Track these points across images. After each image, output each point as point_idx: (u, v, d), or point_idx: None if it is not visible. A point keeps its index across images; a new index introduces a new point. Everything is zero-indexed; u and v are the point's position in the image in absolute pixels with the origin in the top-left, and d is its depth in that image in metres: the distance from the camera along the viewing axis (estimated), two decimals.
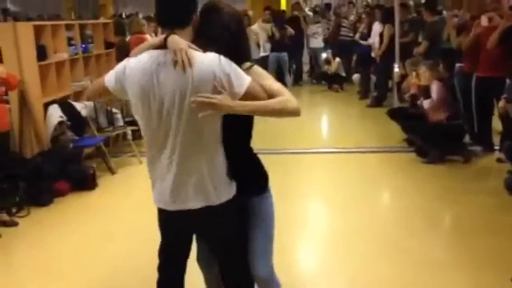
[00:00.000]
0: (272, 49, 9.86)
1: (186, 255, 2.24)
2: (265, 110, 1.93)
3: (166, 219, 2.12)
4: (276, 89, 1.97)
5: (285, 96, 1.95)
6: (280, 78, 9.57)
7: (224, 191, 2.02)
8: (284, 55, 10.00)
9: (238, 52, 2.03)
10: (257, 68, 2.06)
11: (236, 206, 2.08)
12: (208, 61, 1.88)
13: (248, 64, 2.03)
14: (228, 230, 2.10)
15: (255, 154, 2.21)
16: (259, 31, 9.97)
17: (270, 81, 2.01)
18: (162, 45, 1.91)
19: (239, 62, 1.96)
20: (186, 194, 1.98)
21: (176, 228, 2.15)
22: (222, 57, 1.89)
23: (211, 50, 1.93)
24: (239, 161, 2.08)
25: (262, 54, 9.80)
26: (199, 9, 2.05)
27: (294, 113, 1.96)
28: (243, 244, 2.17)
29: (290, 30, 10.07)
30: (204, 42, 1.98)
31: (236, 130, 2.04)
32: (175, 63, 1.85)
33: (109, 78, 2.04)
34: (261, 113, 1.94)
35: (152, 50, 1.94)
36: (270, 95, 1.95)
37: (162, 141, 1.96)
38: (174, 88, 1.87)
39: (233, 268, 2.20)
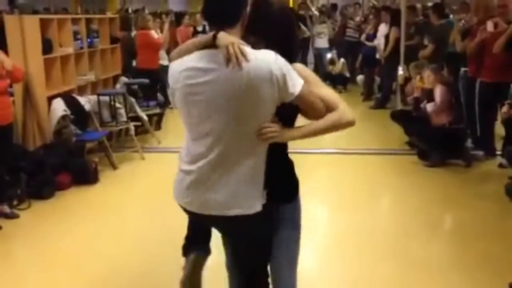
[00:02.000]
0: None
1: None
2: (325, 129, 1.89)
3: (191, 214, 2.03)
4: (330, 98, 1.89)
5: (341, 107, 1.88)
6: None
7: (258, 200, 1.90)
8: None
9: (289, 50, 1.93)
10: (306, 70, 1.94)
11: (266, 215, 1.95)
12: (263, 57, 1.76)
13: (298, 64, 1.92)
14: (256, 240, 2.01)
15: (291, 161, 2.11)
16: None
17: (322, 88, 1.91)
18: (210, 43, 1.80)
19: (290, 61, 1.85)
20: (216, 197, 1.87)
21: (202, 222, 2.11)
22: (278, 54, 1.78)
23: (262, 48, 1.81)
24: (276, 167, 1.97)
25: None
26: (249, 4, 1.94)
27: (351, 124, 1.92)
28: (267, 255, 2.08)
29: (304, 30, 9.89)
30: (254, 39, 1.86)
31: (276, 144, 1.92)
32: (228, 60, 1.72)
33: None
34: (321, 133, 1.90)
35: (200, 51, 1.83)
36: (325, 104, 1.88)
37: (205, 140, 1.85)
38: (226, 88, 1.75)
39: (252, 274, 2.12)
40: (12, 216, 4.25)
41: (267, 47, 1.82)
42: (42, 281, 3.31)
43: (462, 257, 3.49)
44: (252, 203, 1.88)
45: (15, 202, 4.46)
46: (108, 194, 4.91)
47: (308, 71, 1.95)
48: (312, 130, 1.90)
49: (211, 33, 1.81)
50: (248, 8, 1.92)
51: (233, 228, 1.98)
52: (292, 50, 1.98)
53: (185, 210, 2.01)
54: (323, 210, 4.56)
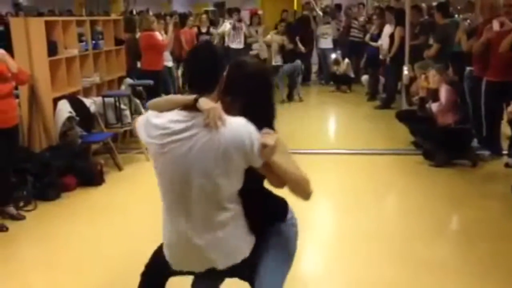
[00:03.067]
0: (285, 61, 9.57)
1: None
2: (293, 176, 1.95)
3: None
4: (295, 167, 1.97)
5: (306, 176, 1.98)
6: (291, 81, 9.61)
7: (246, 245, 2.04)
8: (298, 63, 9.65)
9: (263, 112, 2.03)
10: (278, 136, 2.00)
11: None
12: (237, 125, 1.88)
13: (269, 130, 1.98)
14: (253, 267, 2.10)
15: (268, 190, 2.18)
16: (271, 43, 9.89)
17: (290, 158, 2.00)
18: (191, 105, 1.90)
19: (265, 123, 1.96)
20: (208, 255, 1.99)
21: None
22: (250, 124, 1.88)
23: (235, 108, 1.95)
24: (257, 202, 2.08)
25: (273, 63, 9.73)
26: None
27: (307, 196, 2.00)
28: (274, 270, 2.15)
29: (301, 47, 9.96)
30: (230, 99, 1.99)
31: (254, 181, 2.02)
32: (207, 123, 1.84)
33: (139, 131, 2.04)
34: (286, 176, 1.94)
35: (179, 111, 1.92)
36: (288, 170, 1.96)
37: (182, 204, 1.96)
38: (202, 149, 1.85)
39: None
40: (18, 218, 4.27)
41: (242, 110, 1.94)
42: (47, 282, 3.32)
43: (469, 257, 3.48)
44: (240, 251, 2.02)
45: (21, 204, 4.48)
46: (114, 195, 4.92)
47: (281, 141, 2.00)
48: (285, 168, 1.94)
49: (192, 96, 1.91)
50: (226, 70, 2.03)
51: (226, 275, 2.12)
52: (268, 115, 2.06)
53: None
54: (328, 210, 4.55)
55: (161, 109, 1.97)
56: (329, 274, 3.37)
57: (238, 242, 2.02)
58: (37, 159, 4.87)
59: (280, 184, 1.98)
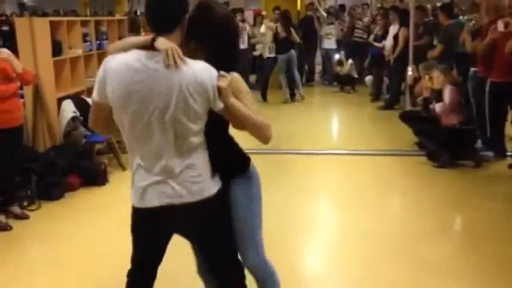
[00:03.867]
0: (279, 51, 9.26)
1: (159, 262, 2.21)
2: (251, 121, 1.98)
3: (144, 218, 2.10)
4: (255, 110, 2.01)
5: (266, 120, 2.02)
6: (290, 76, 9.48)
7: (208, 185, 2.01)
8: (293, 53, 9.34)
9: (229, 58, 2.05)
10: (238, 78, 2.03)
11: (221, 200, 2.07)
12: (199, 68, 1.89)
13: (234, 74, 2.00)
14: (213, 225, 2.08)
15: (233, 141, 2.22)
16: (265, 31, 9.68)
17: (249, 101, 2.02)
18: (148, 46, 1.89)
19: (229, 69, 1.97)
20: (172, 189, 1.96)
21: (154, 229, 2.11)
22: (212, 69, 1.90)
23: (199, 52, 1.96)
24: (219, 148, 2.08)
25: (267, 55, 9.61)
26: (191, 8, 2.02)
27: (266, 140, 2.03)
28: (230, 238, 2.17)
29: (295, 36, 9.64)
30: (194, 44, 2.00)
31: (217, 125, 2.04)
32: (167, 64, 1.83)
33: (94, 92, 2.01)
34: (245, 120, 1.97)
35: (138, 51, 1.90)
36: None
37: (147, 144, 1.94)
38: (162, 90, 1.85)
39: (221, 263, 2.18)
40: (22, 217, 4.29)
41: (206, 53, 1.95)
42: (51, 280, 3.33)
43: (472, 258, 3.47)
44: (199, 190, 1.98)
45: (25, 203, 4.49)
46: (117, 195, 4.93)
47: (242, 83, 2.05)
48: (243, 111, 1.97)
49: (150, 36, 1.90)
50: (190, 12, 2.00)
51: (185, 217, 2.03)
52: (232, 59, 2.08)
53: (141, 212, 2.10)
54: (331, 210, 4.55)
55: (119, 50, 1.95)
56: (331, 274, 3.37)
57: (205, 175, 1.99)
58: (41, 159, 4.88)
59: (241, 126, 2.02)
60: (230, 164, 2.16)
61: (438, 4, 9.49)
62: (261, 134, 2.01)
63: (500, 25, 5.17)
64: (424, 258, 3.46)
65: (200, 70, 1.88)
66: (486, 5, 5.74)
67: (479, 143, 5.70)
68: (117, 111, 1.93)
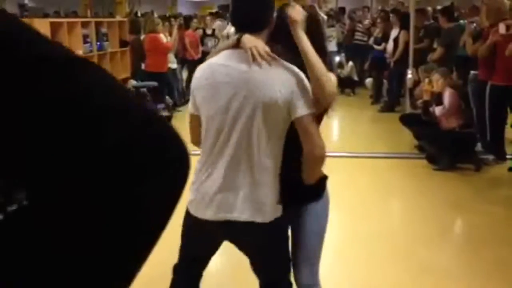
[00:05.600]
0: None
1: (207, 262, 2.17)
2: (314, 64, 1.78)
3: (200, 226, 2.00)
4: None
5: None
6: None
7: (272, 210, 1.92)
8: None
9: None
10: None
11: (282, 227, 2.01)
12: (289, 69, 1.79)
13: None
14: (271, 250, 2.03)
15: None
16: None
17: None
18: (235, 46, 1.85)
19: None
20: (234, 201, 1.87)
21: (208, 237, 2.06)
22: (303, 77, 1.79)
23: (289, 58, 1.86)
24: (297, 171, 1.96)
25: None
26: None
27: (330, 95, 1.83)
28: (286, 262, 2.10)
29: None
30: (281, 49, 1.89)
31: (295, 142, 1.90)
32: (252, 60, 1.75)
33: (189, 105, 1.98)
34: (309, 61, 1.78)
35: (227, 51, 1.87)
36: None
37: (219, 143, 1.86)
38: (240, 86, 1.78)
39: (271, 281, 2.13)
40: None
41: (293, 57, 1.83)
42: None
43: (472, 262, 3.46)
44: (263, 212, 1.90)
45: None
46: None
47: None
48: (312, 53, 1.79)
49: (236, 36, 1.84)
50: (274, 15, 1.92)
51: (243, 236, 1.99)
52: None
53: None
54: (331, 213, 4.53)
55: (212, 56, 1.94)
56: (330, 277, 3.36)
57: (266, 198, 1.87)
58: None
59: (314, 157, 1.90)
60: (307, 188, 2.06)
61: (439, 7, 9.50)
62: (325, 88, 1.80)
63: (501, 28, 5.17)
64: (424, 261, 3.45)
65: (289, 71, 1.79)
66: (487, 9, 5.74)
67: (479, 147, 5.69)
68: (201, 109, 1.90)
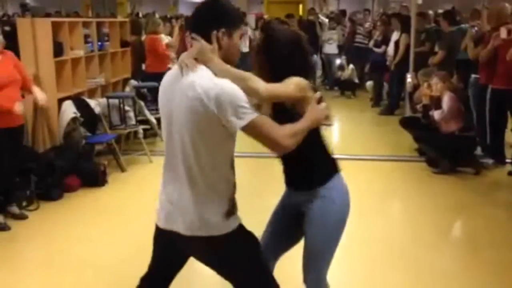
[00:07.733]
0: None
1: (177, 271, 2.15)
2: (228, 75, 1.79)
3: (159, 235, 2.07)
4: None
5: (254, 78, 1.84)
6: None
7: (219, 225, 1.87)
8: None
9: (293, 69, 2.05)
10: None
11: (242, 240, 1.93)
12: (220, 83, 1.77)
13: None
14: (228, 265, 1.95)
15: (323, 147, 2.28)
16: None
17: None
18: None
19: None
20: (176, 214, 1.91)
21: (168, 248, 2.07)
22: (226, 89, 1.75)
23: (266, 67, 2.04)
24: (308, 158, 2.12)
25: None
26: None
27: (253, 92, 1.81)
28: (257, 277, 2.01)
29: None
30: (264, 59, 2.07)
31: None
32: (180, 71, 1.86)
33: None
34: (226, 76, 1.80)
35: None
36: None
37: (171, 159, 1.93)
38: (177, 102, 1.85)
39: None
40: (21, 217, 4.28)
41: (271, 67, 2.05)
42: (49, 281, 3.32)
43: (472, 265, 3.46)
44: (205, 227, 1.87)
45: (24, 203, 4.49)
46: (116, 196, 4.93)
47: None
48: (222, 71, 1.80)
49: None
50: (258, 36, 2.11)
51: (192, 250, 2.00)
52: (301, 70, 2.07)
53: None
54: None
55: None
56: (331, 280, 3.35)
57: (209, 214, 1.84)
58: (41, 159, 4.88)
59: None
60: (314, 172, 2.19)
61: (440, 11, 9.50)
62: (247, 89, 1.78)
63: (503, 32, 5.17)
64: (424, 264, 3.45)
65: (217, 85, 1.78)
66: (488, 13, 5.75)
67: (479, 150, 5.69)
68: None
